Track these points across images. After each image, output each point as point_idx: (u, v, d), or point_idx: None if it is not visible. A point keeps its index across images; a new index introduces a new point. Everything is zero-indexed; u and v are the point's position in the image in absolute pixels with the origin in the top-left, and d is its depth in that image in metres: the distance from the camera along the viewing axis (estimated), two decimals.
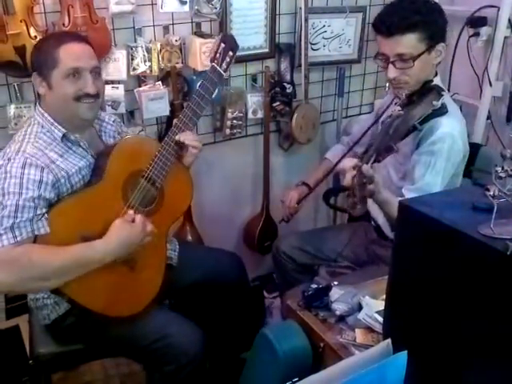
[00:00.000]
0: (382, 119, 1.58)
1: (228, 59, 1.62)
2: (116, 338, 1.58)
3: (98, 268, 1.40)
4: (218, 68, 1.61)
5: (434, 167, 1.59)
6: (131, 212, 1.49)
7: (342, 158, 1.94)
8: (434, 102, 1.48)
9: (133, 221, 1.46)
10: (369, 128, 1.81)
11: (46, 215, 1.39)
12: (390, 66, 1.62)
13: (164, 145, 1.57)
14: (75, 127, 1.53)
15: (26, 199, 1.36)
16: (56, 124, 1.49)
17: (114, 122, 1.72)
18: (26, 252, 1.33)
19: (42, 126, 1.49)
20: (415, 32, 1.57)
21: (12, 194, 1.35)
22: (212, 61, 1.62)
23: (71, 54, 1.45)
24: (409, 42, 1.58)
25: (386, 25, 1.59)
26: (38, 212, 1.37)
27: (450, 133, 1.59)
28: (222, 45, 1.61)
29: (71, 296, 1.43)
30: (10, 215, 1.33)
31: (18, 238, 1.33)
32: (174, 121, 1.63)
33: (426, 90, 1.58)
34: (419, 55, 1.59)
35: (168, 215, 1.63)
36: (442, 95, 1.51)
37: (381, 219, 1.64)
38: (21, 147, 1.43)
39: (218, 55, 1.61)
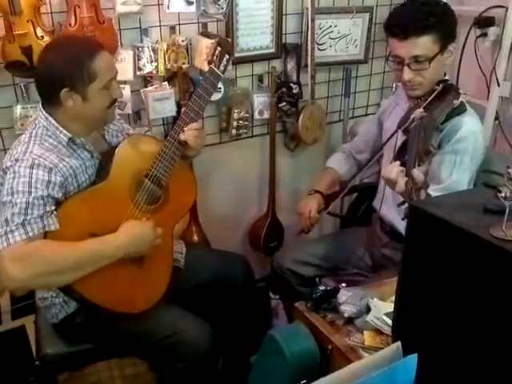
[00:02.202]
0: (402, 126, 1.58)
1: (225, 62, 1.66)
2: (126, 336, 1.58)
3: (107, 265, 1.42)
4: (215, 70, 1.65)
5: (460, 165, 1.59)
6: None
7: (355, 175, 1.95)
8: (455, 101, 1.48)
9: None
10: (389, 139, 1.77)
11: (55, 212, 1.40)
12: (405, 67, 1.61)
13: (167, 143, 1.58)
14: (89, 131, 1.55)
15: (36, 197, 1.37)
16: (61, 128, 1.49)
17: (116, 121, 1.72)
18: (40, 247, 1.35)
19: (47, 129, 1.49)
20: (430, 34, 1.57)
21: (21, 193, 1.36)
22: (210, 63, 1.66)
23: (105, 66, 1.47)
24: (424, 44, 1.58)
25: (401, 27, 1.58)
26: (48, 209, 1.39)
27: (473, 130, 1.60)
28: (219, 48, 1.65)
29: (81, 291, 1.43)
30: (20, 212, 1.34)
31: (30, 234, 1.34)
32: (177, 121, 1.63)
33: (445, 89, 1.58)
34: (434, 56, 1.59)
35: (173, 213, 1.65)
36: (460, 93, 1.51)
37: (402, 224, 1.62)
38: (27, 148, 1.44)
39: (215, 58, 1.65)
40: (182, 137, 1.59)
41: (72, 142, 1.51)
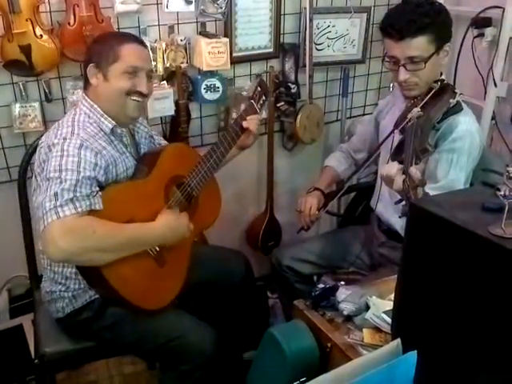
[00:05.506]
0: (399, 126, 1.58)
1: (261, 101, 1.87)
2: (131, 336, 1.58)
3: (133, 258, 1.45)
4: (255, 105, 1.83)
5: (457, 164, 1.60)
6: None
7: (353, 174, 1.96)
8: (451, 100, 1.49)
9: None
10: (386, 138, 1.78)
11: (99, 193, 1.42)
12: (401, 68, 1.62)
13: (204, 159, 1.69)
14: (119, 122, 1.58)
15: (84, 177, 1.39)
16: (106, 116, 1.53)
17: (147, 124, 1.78)
18: (91, 223, 1.37)
19: (89, 117, 1.52)
20: (425, 34, 1.58)
21: (70, 171, 1.38)
22: (250, 98, 1.86)
23: (132, 53, 1.52)
24: (419, 45, 1.59)
25: (396, 28, 1.58)
26: (94, 189, 1.41)
27: (469, 130, 1.61)
28: (259, 88, 1.86)
29: (108, 277, 1.42)
30: (70, 189, 1.36)
31: (79, 209, 1.35)
32: (216, 142, 1.77)
33: (441, 89, 1.59)
34: (430, 57, 1.60)
35: (198, 224, 1.70)
36: (456, 93, 1.52)
37: (399, 223, 1.63)
38: (74, 130, 1.47)
39: (255, 95, 1.86)
40: (245, 124, 1.77)
41: (112, 131, 1.55)
